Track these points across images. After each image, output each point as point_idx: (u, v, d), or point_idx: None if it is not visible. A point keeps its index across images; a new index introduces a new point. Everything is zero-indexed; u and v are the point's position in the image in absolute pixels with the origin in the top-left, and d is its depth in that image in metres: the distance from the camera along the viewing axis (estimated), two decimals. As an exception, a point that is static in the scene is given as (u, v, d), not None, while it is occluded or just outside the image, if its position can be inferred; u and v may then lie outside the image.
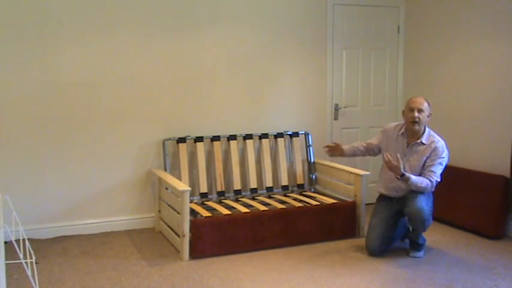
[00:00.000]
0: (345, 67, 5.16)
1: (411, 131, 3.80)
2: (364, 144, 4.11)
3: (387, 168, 3.70)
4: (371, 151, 4.10)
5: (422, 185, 3.65)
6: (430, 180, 3.68)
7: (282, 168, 4.80)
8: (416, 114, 3.70)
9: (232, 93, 4.75)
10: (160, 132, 4.52)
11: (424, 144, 3.76)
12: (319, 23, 5.00)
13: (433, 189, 3.75)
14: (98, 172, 4.37)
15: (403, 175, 3.61)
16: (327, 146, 4.18)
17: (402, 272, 3.52)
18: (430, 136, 3.79)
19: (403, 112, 3.85)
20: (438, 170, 3.71)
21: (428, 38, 5.03)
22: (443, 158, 3.73)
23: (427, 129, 3.82)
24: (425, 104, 3.75)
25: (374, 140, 4.10)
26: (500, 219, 4.19)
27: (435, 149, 3.71)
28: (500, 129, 4.32)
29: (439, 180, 3.72)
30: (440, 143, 3.74)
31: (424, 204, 3.65)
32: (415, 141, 3.79)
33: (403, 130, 3.87)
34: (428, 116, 3.78)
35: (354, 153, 4.16)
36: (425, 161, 3.75)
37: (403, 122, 3.90)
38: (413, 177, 3.63)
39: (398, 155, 3.69)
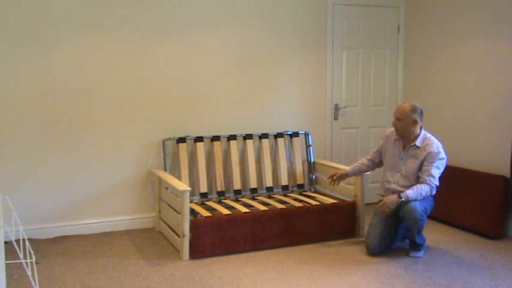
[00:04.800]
0: (345, 67, 5.16)
1: (405, 136, 3.84)
2: (369, 157, 4.14)
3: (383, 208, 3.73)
4: (376, 160, 4.11)
5: (423, 193, 3.68)
6: (430, 185, 3.69)
7: (282, 168, 4.80)
8: (394, 122, 3.80)
9: (232, 93, 4.75)
10: (160, 132, 4.52)
11: (418, 147, 3.78)
12: (319, 23, 5.00)
13: (433, 193, 3.75)
14: (98, 172, 4.37)
15: (401, 198, 3.66)
16: (332, 176, 4.19)
17: (402, 272, 3.52)
18: (425, 139, 3.80)
19: None
20: (436, 173, 3.71)
21: (429, 38, 5.03)
22: (441, 161, 3.73)
23: (422, 132, 3.83)
24: (407, 112, 3.75)
25: (376, 148, 4.14)
26: (500, 219, 4.19)
27: (430, 153, 3.71)
28: (500, 129, 4.32)
29: (438, 184, 3.73)
30: (435, 146, 3.74)
31: (417, 204, 3.66)
32: (409, 144, 3.81)
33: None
34: (414, 123, 3.76)
35: (359, 171, 4.15)
36: (421, 165, 3.76)
37: None
38: (412, 192, 3.67)
39: (380, 195, 3.87)
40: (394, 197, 3.69)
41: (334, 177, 4.15)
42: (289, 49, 4.91)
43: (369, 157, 4.15)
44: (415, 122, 3.77)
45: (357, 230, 4.28)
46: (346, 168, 4.19)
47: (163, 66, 4.48)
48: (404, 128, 3.78)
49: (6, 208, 3.38)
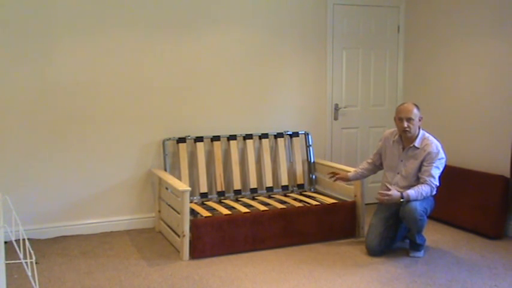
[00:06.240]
0: (345, 67, 5.16)
1: (404, 137, 3.83)
2: (370, 160, 4.14)
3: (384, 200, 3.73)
4: (377, 162, 4.10)
5: (424, 194, 3.68)
6: (430, 185, 3.69)
7: (282, 168, 4.80)
8: (405, 124, 3.74)
9: (233, 93, 4.75)
10: (160, 132, 4.52)
11: (417, 148, 3.78)
12: (319, 23, 5.00)
13: (433, 193, 3.75)
14: (98, 172, 4.37)
15: (402, 197, 3.66)
16: (332, 173, 4.21)
17: (402, 272, 3.52)
18: (424, 139, 3.79)
19: (395, 119, 3.86)
20: (436, 173, 3.71)
21: (429, 38, 5.03)
22: (440, 161, 3.73)
23: (421, 132, 3.83)
24: (414, 111, 3.75)
25: (375, 150, 4.14)
26: (500, 219, 4.19)
27: (429, 153, 3.72)
28: (500, 129, 4.32)
29: (438, 184, 3.73)
30: (434, 145, 3.74)
31: (417, 204, 3.66)
32: (409, 145, 3.81)
33: (397, 136, 3.90)
34: (419, 120, 3.78)
35: (361, 176, 4.15)
36: (421, 165, 3.76)
37: None
38: (413, 192, 3.67)
39: (386, 184, 3.87)
40: (397, 194, 3.69)
41: (335, 177, 4.16)
42: (289, 49, 4.91)
43: (369, 160, 4.14)
44: (420, 119, 3.80)
45: (357, 230, 4.28)
46: (349, 173, 4.16)
47: (164, 66, 4.48)
48: (415, 127, 3.78)
49: (6, 208, 3.38)
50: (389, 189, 3.75)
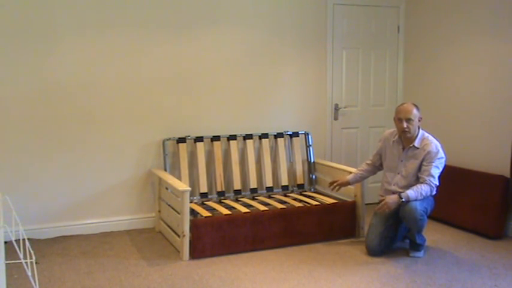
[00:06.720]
0: (345, 67, 5.16)
1: (404, 137, 3.84)
2: (369, 162, 4.13)
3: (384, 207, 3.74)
4: (377, 163, 4.10)
5: (423, 193, 3.68)
6: (430, 185, 3.70)
7: (282, 168, 4.80)
8: (405, 124, 3.74)
9: (232, 93, 4.75)
10: (160, 132, 4.52)
11: (417, 148, 3.78)
12: (319, 23, 5.00)
13: (433, 193, 3.75)
14: (98, 172, 4.37)
15: (401, 198, 3.67)
16: (332, 183, 4.18)
17: (402, 272, 3.52)
18: (424, 139, 3.80)
19: (394, 119, 3.86)
20: (436, 173, 3.72)
21: (429, 38, 5.03)
22: (440, 161, 3.73)
23: (420, 132, 3.83)
24: (414, 111, 3.75)
25: (375, 151, 4.14)
26: (500, 219, 4.19)
27: (429, 153, 3.72)
28: (500, 129, 4.32)
29: (437, 183, 3.73)
30: (434, 145, 3.74)
31: (417, 204, 3.66)
32: (409, 145, 3.81)
33: (397, 136, 3.90)
34: (419, 120, 3.79)
35: (360, 178, 4.14)
36: (420, 165, 3.76)
37: None
38: (412, 192, 3.67)
39: (380, 197, 3.87)
40: (394, 197, 3.70)
41: (335, 184, 4.15)
42: (289, 49, 4.91)
43: (369, 162, 4.14)
44: (420, 119, 3.80)
45: (357, 230, 4.28)
46: (348, 176, 4.15)
47: (164, 66, 4.48)
48: (415, 127, 3.78)
49: (6, 208, 3.38)
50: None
